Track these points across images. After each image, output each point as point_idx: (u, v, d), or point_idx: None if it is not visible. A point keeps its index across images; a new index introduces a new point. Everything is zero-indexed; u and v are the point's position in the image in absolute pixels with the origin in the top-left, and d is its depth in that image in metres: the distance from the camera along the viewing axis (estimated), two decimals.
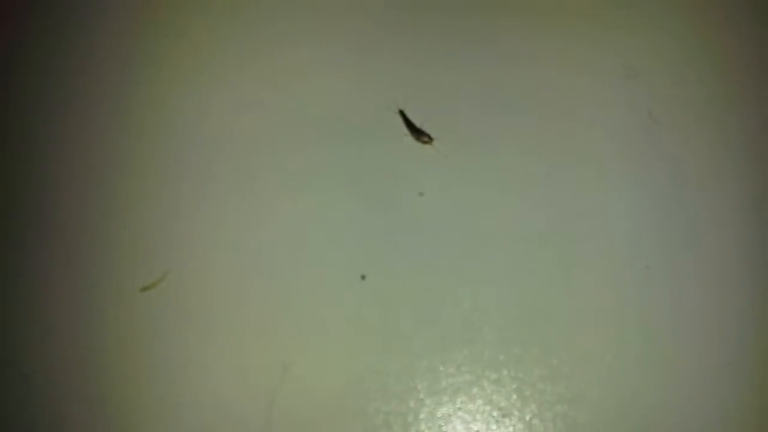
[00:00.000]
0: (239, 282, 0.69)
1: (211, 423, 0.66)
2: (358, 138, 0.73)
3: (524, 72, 0.74)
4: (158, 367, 0.68)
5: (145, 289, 0.69)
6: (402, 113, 0.73)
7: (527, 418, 0.67)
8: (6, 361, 0.68)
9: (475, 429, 0.66)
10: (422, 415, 0.67)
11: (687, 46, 0.75)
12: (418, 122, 0.73)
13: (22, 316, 0.69)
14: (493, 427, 0.67)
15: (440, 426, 0.67)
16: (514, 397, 0.67)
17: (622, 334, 0.68)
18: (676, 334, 0.68)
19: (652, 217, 0.71)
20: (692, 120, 0.74)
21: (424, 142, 0.73)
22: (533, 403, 0.67)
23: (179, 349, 0.68)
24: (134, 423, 0.67)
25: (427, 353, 0.67)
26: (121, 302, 0.69)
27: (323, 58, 0.74)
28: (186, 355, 0.68)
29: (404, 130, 0.73)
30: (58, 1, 0.76)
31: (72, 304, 0.69)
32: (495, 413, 0.67)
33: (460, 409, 0.67)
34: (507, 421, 0.67)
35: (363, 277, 0.69)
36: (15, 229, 0.71)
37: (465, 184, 0.72)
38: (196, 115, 0.73)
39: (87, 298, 0.69)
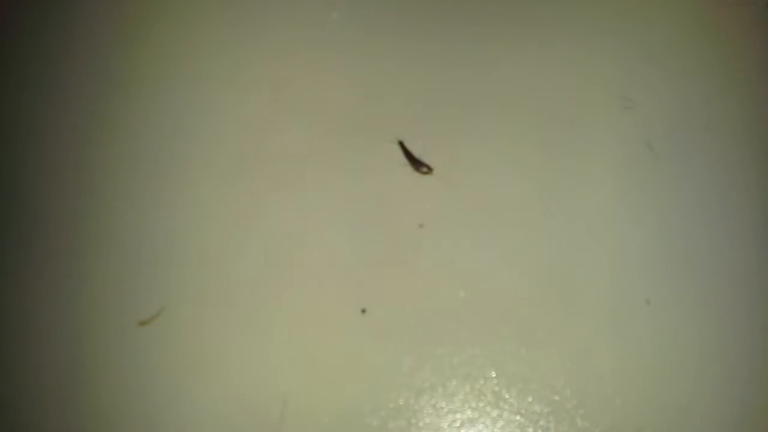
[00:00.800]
0: (238, 316, 0.68)
1: None
2: (356, 169, 0.73)
3: (522, 103, 0.74)
4: (156, 401, 0.67)
5: (143, 323, 0.68)
6: (401, 144, 0.73)
7: None
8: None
9: None
10: None
11: (684, 75, 0.75)
12: (417, 152, 0.73)
13: (18, 350, 0.68)
14: None
15: None
16: None
17: (624, 370, 0.67)
18: (678, 371, 0.67)
19: (652, 250, 0.71)
20: (691, 150, 0.74)
21: (424, 173, 0.73)
22: None
23: (178, 383, 0.67)
24: None
25: (428, 389, 0.67)
26: (119, 336, 0.68)
27: (321, 87, 0.74)
28: (185, 389, 0.67)
29: (403, 160, 0.73)
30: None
31: (71, 337, 0.68)
32: None
33: None
34: None
35: (363, 311, 0.69)
36: (11, 261, 0.70)
37: (465, 215, 0.72)
38: (193, 153, 0.73)
39: (85, 331, 0.68)
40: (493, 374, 0.67)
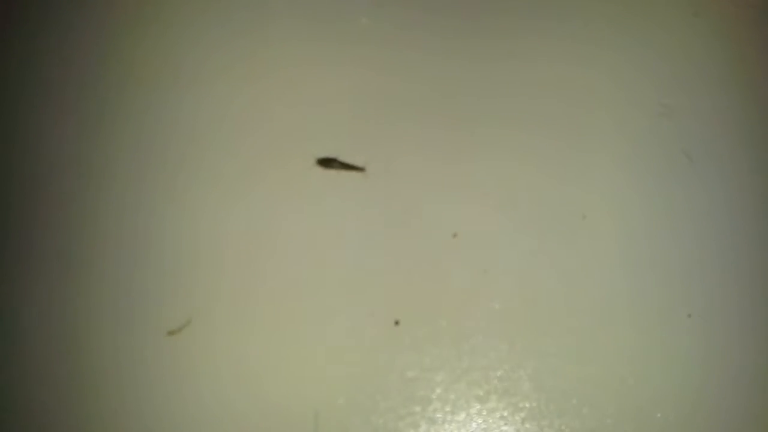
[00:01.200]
0: (268, 326, 0.67)
1: None
2: (388, 179, 0.72)
3: (555, 109, 0.73)
4: (185, 412, 0.65)
5: (171, 333, 0.67)
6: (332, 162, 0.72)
7: None
8: (29, 405, 0.66)
9: None
10: None
11: (722, 83, 0.74)
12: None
13: (48, 361, 0.67)
14: None
15: None
16: None
17: (666, 384, 0.65)
18: (723, 385, 0.65)
19: (693, 262, 0.69)
20: (730, 158, 0.72)
21: (334, 167, 0.71)
22: None
23: (207, 393, 0.65)
24: None
25: (465, 405, 0.65)
26: (147, 346, 0.67)
27: (338, 88, 0.73)
28: (214, 401, 0.65)
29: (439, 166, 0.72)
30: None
31: (99, 347, 0.67)
32: None
33: None
34: None
35: (396, 323, 0.67)
36: (36, 271, 0.69)
37: (499, 225, 0.71)
38: (218, 159, 0.72)
39: (114, 341, 0.67)
40: (532, 390, 0.65)
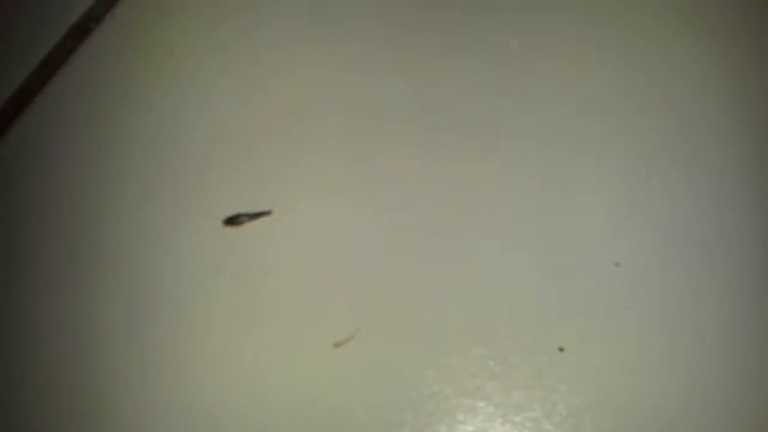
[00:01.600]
0: (433, 347, 0.68)
1: None
2: (550, 207, 0.73)
3: (670, 136, 0.76)
4: (352, 423, 0.67)
5: (337, 345, 0.69)
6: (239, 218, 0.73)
7: None
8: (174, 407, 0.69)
9: None
10: None
11: None
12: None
13: (209, 374, 0.70)
14: None
15: None
16: None
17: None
18: None
19: None
20: None
21: (239, 223, 0.73)
22: None
23: (373, 404, 0.66)
24: None
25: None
26: (314, 358, 0.68)
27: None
28: (379, 410, 0.66)
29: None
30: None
31: (272, 359, 0.69)
32: None
33: None
34: None
35: (561, 349, 0.67)
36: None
37: (662, 255, 0.71)
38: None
39: (280, 354, 0.69)
40: (706, 421, 0.63)
